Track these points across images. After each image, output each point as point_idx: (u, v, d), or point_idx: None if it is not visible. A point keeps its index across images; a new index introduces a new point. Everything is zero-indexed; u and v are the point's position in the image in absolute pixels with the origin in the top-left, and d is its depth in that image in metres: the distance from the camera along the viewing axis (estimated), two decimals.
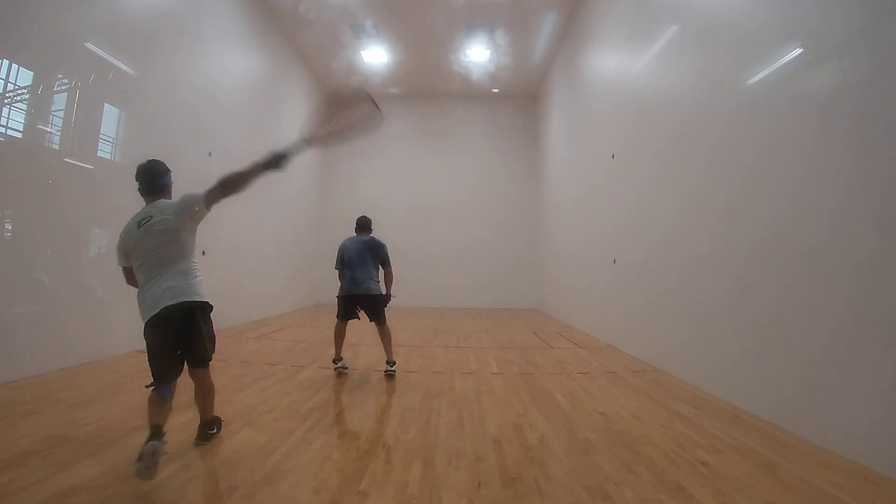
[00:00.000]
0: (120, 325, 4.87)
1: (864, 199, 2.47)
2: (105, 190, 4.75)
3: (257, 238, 8.30)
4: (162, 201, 2.57)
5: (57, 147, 4.27)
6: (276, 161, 2.39)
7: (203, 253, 6.50)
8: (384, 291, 4.37)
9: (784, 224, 3.03)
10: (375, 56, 10.30)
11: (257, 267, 8.29)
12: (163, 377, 2.30)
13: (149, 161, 2.60)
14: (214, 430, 2.63)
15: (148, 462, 1.93)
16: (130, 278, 2.55)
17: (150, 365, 2.33)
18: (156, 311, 2.30)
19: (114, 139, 4.92)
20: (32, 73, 3.95)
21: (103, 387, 3.61)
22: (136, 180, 2.57)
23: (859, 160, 2.50)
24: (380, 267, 4.41)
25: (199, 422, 2.57)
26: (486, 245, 12.09)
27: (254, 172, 2.41)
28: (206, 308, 2.50)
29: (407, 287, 12.94)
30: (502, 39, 9.49)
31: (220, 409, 3.16)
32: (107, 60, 4.73)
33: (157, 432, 2.08)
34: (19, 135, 3.87)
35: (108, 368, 4.20)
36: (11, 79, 3.77)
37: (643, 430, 2.92)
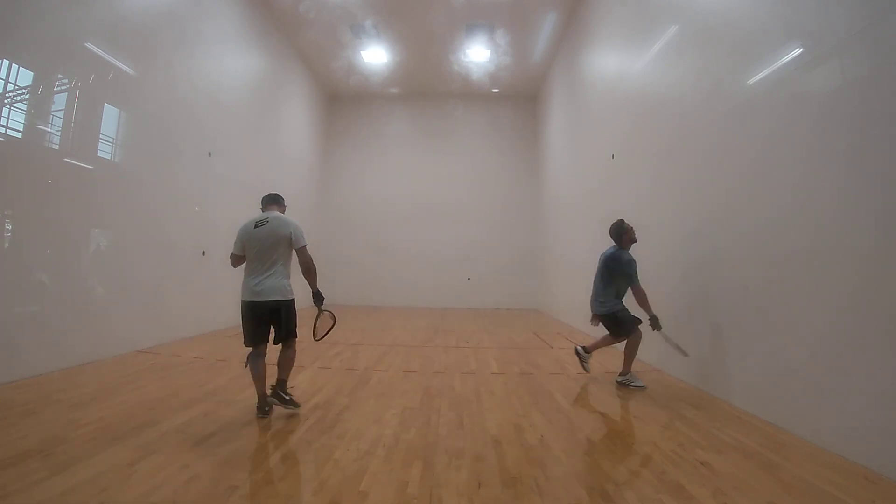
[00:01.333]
0: (120, 325, 4.88)
1: (864, 198, 2.46)
2: (105, 190, 4.75)
3: None
4: (277, 214, 3.28)
5: (57, 147, 4.27)
6: (319, 297, 3.27)
7: (203, 253, 6.50)
8: (615, 308, 4.08)
9: (783, 223, 3.03)
10: (375, 56, 10.30)
11: None
12: (255, 342, 3.09)
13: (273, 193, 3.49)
14: (288, 400, 3.12)
15: (261, 407, 3.07)
16: (236, 263, 3.27)
17: (243, 332, 3.10)
18: (251, 298, 3.04)
19: (114, 139, 4.92)
20: (32, 73, 3.95)
21: (103, 387, 3.61)
22: (262, 201, 3.41)
23: (859, 160, 2.50)
24: (612, 284, 4.12)
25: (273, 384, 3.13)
26: (486, 245, 12.09)
27: (313, 285, 3.25)
28: (288, 305, 3.15)
29: (407, 287, 13.08)
30: (502, 39, 9.48)
31: (219, 409, 3.18)
32: (107, 60, 4.73)
33: (261, 389, 3.10)
34: (19, 135, 3.88)
35: (108, 368, 4.20)
36: (11, 79, 3.78)
37: (643, 430, 2.92)
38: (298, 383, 3.94)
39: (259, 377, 3.08)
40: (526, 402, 3.54)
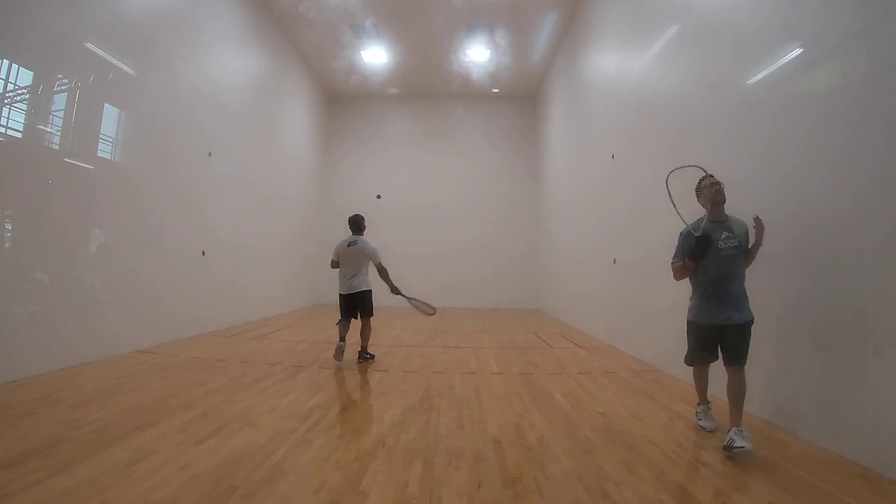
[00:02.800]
0: (120, 325, 4.88)
1: (864, 198, 2.46)
2: (105, 190, 4.75)
3: (257, 238, 8.30)
4: (363, 238, 4.89)
5: (57, 147, 4.26)
6: (395, 289, 4.83)
7: (203, 253, 6.50)
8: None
9: (783, 224, 3.02)
10: (375, 56, 10.29)
11: (257, 267, 8.29)
12: (345, 318, 4.81)
13: (358, 214, 5.08)
14: (369, 356, 4.87)
15: (337, 352, 4.62)
16: (334, 266, 4.95)
17: (340, 312, 4.84)
18: (345, 292, 4.79)
19: (114, 139, 4.91)
20: (32, 73, 3.95)
21: (103, 387, 3.61)
22: (349, 222, 5.01)
23: (859, 160, 2.50)
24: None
25: (357, 351, 4.90)
26: (486, 245, 12.08)
27: (388, 282, 4.83)
28: (367, 293, 4.84)
29: (407, 287, 12.98)
30: (502, 39, 9.48)
31: (219, 408, 3.19)
32: (107, 60, 4.73)
33: (343, 337, 4.71)
34: (19, 135, 3.87)
35: (108, 368, 4.20)
36: (11, 79, 3.77)
37: (643, 430, 2.92)
38: (298, 384, 3.95)
39: (342, 335, 4.71)
40: (526, 402, 3.54)
